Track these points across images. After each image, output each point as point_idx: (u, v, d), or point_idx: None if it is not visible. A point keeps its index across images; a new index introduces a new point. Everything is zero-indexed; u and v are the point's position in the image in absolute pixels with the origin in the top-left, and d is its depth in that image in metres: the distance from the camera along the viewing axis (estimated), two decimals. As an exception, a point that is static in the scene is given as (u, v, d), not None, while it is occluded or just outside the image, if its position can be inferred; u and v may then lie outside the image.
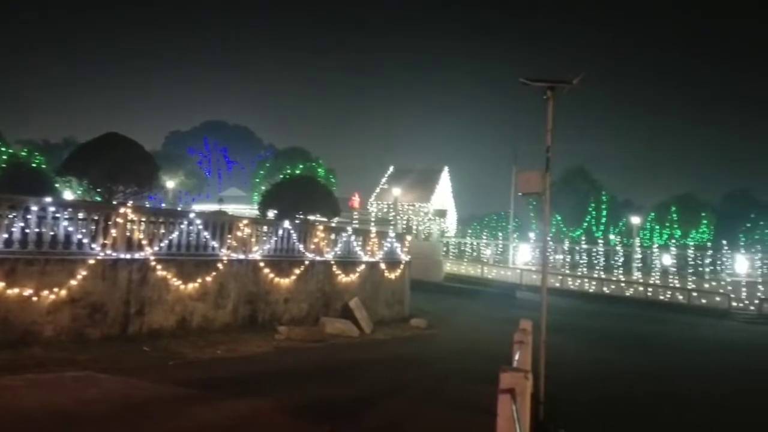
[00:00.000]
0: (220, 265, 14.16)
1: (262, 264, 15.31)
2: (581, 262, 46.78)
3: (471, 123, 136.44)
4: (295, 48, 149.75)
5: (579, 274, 44.89)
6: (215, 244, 14.14)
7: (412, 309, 21.46)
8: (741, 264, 43.77)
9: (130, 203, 14.23)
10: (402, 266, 21.17)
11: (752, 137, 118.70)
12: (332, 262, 17.68)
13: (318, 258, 17.15)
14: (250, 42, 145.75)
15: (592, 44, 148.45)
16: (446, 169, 47.47)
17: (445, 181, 47.33)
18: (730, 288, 39.72)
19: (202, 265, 13.77)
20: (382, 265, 20.05)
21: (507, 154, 65.48)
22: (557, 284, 41.07)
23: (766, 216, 55.77)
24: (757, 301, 37.26)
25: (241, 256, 14.81)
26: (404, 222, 41.81)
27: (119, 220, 12.16)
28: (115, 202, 15.25)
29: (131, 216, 12.72)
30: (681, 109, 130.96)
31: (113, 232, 12.04)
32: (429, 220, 43.10)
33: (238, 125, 73.99)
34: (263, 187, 39.37)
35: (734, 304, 37.13)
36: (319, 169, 50.23)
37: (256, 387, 9.37)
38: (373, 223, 36.60)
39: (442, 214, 44.54)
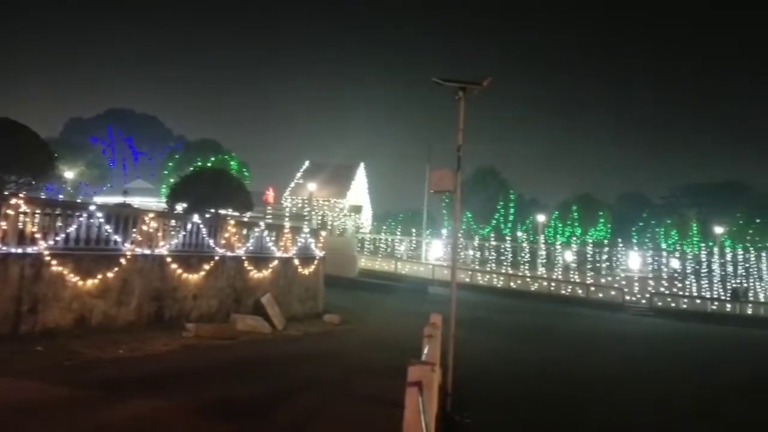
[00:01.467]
0: (123, 261, 13.50)
1: (169, 259, 14.75)
2: (490, 258, 48.54)
3: (387, 120, 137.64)
4: (209, 39, 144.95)
5: (488, 269, 46.55)
6: (118, 238, 13.46)
7: (326, 305, 21.43)
8: (634, 260, 47.06)
9: (22, 194, 13.24)
10: (316, 262, 21.07)
11: (644, 140, 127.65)
12: (244, 258, 17.31)
13: (229, 253, 16.73)
14: (161, 30, 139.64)
15: (505, 45, 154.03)
16: (362, 165, 47.72)
17: (360, 178, 47.56)
18: (624, 283, 42.63)
19: (103, 260, 13.07)
20: (296, 261, 19.87)
21: (423, 152, 66.64)
22: (467, 280, 42.35)
23: (657, 216, 60.19)
24: (647, 296, 40.21)
25: (147, 251, 14.18)
26: (319, 217, 41.62)
27: (9, 212, 11.30)
28: (6, 193, 14.15)
29: (23, 207, 11.88)
30: (584, 111, 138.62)
31: (3, 224, 11.18)
32: (344, 216, 43.16)
33: (146, 114, 70.67)
34: (172, 180, 37.87)
35: (628, 298, 39.87)
36: (232, 162, 48.90)
37: (160, 387, 9.03)
38: (287, 219, 36.16)
39: (357, 210, 44.75)
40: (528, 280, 44.09)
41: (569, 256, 47.98)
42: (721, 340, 26.27)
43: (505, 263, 47.58)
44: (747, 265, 47.26)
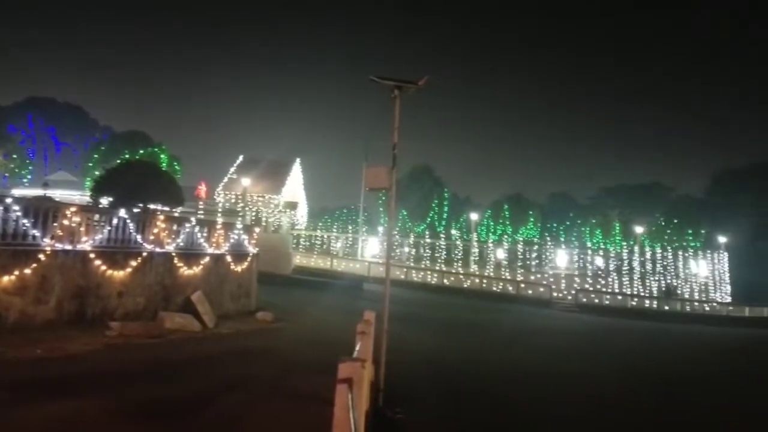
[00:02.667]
0: (42, 256, 12.80)
1: (92, 255, 14.10)
2: (425, 255, 49.23)
3: (324, 117, 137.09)
4: (139, 27, 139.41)
5: (423, 267, 47.19)
6: (36, 233, 12.76)
7: (260, 302, 21.10)
8: (561, 258, 48.92)
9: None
10: (249, 259, 20.71)
11: (572, 142, 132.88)
12: (174, 254, 16.79)
13: (158, 249, 16.18)
14: (87, 14, 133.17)
15: (440, 44, 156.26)
16: (298, 161, 47.19)
17: (296, 173, 47.04)
18: (552, 280, 44.25)
19: (19, 255, 12.35)
20: (228, 258, 19.45)
21: (360, 149, 66.67)
22: (402, 277, 42.81)
23: (583, 215, 62.79)
24: (573, 292, 41.88)
25: (69, 247, 13.51)
26: (253, 213, 40.90)
27: None
28: None
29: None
30: (516, 111, 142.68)
31: None
32: (279, 212, 42.58)
33: (70, 103, 67.27)
34: (97, 173, 36.23)
35: (555, 294, 41.39)
36: (162, 156, 47.37)
37: (81, 388, 8.63)
38: (220, 214, 35.32)
39: (292, 206, 44.24)
40: (461, 277, 45.00)
41: (501, 254, 49.33)
42: (639, 334, 27.70)
43: (439, 260, 48.38)
44: (665, 263, 50.08)
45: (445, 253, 49.13)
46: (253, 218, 39.53)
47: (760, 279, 61.46)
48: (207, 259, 18.24)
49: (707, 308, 45.23)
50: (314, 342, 14.71)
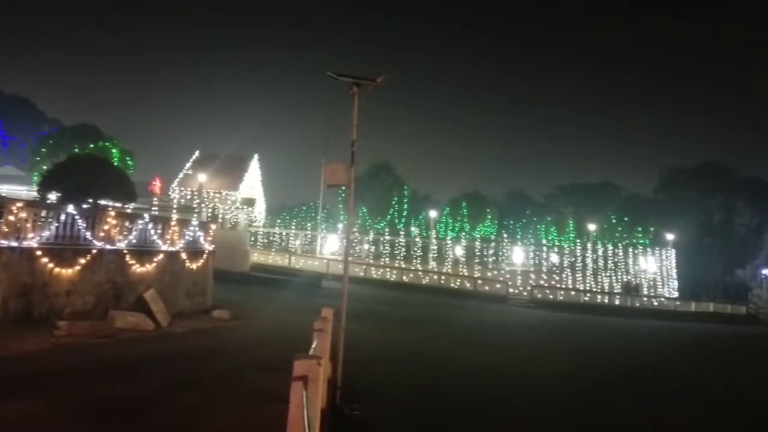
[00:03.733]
0: (-15, 254, 12.28)
1: (39, 252, 13.60)
2: (384, 252, 49.35)
3: (285, 112, 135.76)
4: (92, 17, 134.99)
5: (382, 263, 47.31)
6: (-21, 229, 12.22)
7: (216, 300, 20.78)
8: (518, 255, 49.83)
9: None
10: (205, 256, 20.34)
11: (528, 141, 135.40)
12: (126, 251, 16.34)
13: (109, 246, 15.72)
14: (35, 3, 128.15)
15: (401, 42, 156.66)
16: (256, 156, 46.55)
17: (254, 170, 46.41)
18: (508, 276, 45.05)
19: (-40, 253, 11.82)
20: (183, 255, 19.06)
21: (319, 146, 66.31)
22: (361, 273, 42.82)
23: (539, 213, 64.03)
24: (529, 288, 42.73)
25: (14, 244, 13.00)
26: (209, 210, 40.20)
27: None
28: None
29: None
30: (475, 110, 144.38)
31: None
32: (236, 209, 41.98)
33: (17, 95, 64.65)
34: (45, 167, 34.92)
35: (511, 290, 42.16)
36: (114, 150, 45.90)
37: (28, 388, 8.34)
38: (174, 211, 34.55)
39: (250, 202, 43.65)
40: (420, 273, 45.33)
41: (459, 251, 49.89)
42: (592, 329, 28.48)
43: (398, 257, 48.58)
44: (616, 260, 51.61)
45: (404, 250, 49.35)
46: (210, 215, 38.84)
47: (705, 275, 64.02)
48: (161, 256, 17.83)
49: (656, 303, 46.87)
50: (271, 340, 14.57)
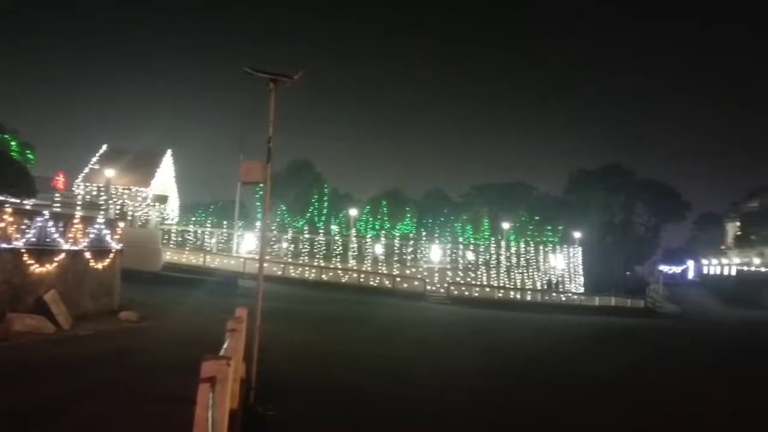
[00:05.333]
0: None
1: None
2: (303, 250, 48.91)
3: (200, 108, 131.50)
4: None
5: (300, 262, 46.88)
6: None
7: (125, 301, 19.88)
8: (435, 253, 50.86)
9: None
10: (112, 255, 19.39)
11: (444, 141, 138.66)
12: (23, 250, 15.28)
13: (4, 245, 14.64)
14: None
15: (321, 40, 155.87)
16: (169, 152, 44.83)
17: (167, 165, 44.69)
18: (426, 274, 45.91)
19: None
20: (88, 254, 18.07)
21: (237, 142, 64.74)
22: (279, 272, 42.25)
23: (456, 212, 65.63)
24: (446, 285, 43.74)
25: None
26: (118, 207, 38.31)
27: None
28: None
29: None
30: (395, 108, 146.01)
31: None
32: (147, 206, 40.25)
33: None
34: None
35: (429, 287, 42.99)
36: (12, 143, 42.80)
37: None
38: (79, 207, 32.68)
39: (162, 199, 42.02)
40: (339, 272, 45.32)
41: (379, 249, 50.27)
42: (503, 323, 29.58)
43: (318, 256, 48.29)
44: (528, 257, 53.84)
45: (324, 248, 49.13)
46: (118, 212, 37.04)
47: (608, 271, 68.12)
48: (63, 255, 16.81)
49: (564, 299, 49.34)
50: (183, 341, 14.09)
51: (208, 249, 47.34)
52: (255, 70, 9.61)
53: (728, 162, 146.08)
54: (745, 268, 76.36)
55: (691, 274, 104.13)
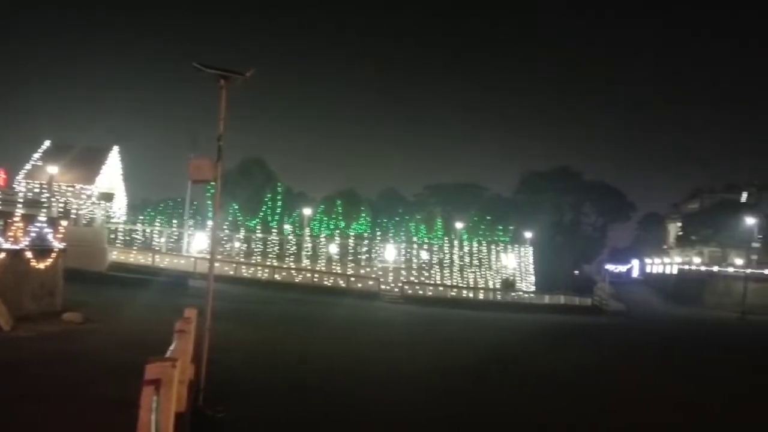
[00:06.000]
0: None
1: None
2: (256, 250, 48.26)
3: (149, 104, 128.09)
4: None
5: (253, 262, 46.26)
6: None
7: (69, 302, 19.16)
8: (390, 252, 51.07)
9: None
10: (55, 254, 18.68)
11: (399, 141, 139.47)
12: (-42, 250, 14.57)
13: (-63, 244, 13.93)
14: None
15: (276, 40, 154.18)
16: (116, 148, 43.45)
17: (114, 162, 43.33)
18: (380, 273, 46.04)
19: None
20: (29, 254, 17.35)
21: (187, 139, 63.36)
22: (231, 272, 41.61)
23: (410, 211, 66.12)
24: (400, 284, 43.97)
25: None
26: (61, 205, 36.94)
27: None
28: None
29: None
30: (350, 109, 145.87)
31: None
32: (92, 204, 38.94)
33: None
34: None
35: (383, 287, 43.13)
36: (-53, 137, 40.75)
37: None
38: (20, 205, 31.30)
39: (108, 197, 40.72)
40: (293, 272, 44.95)
41: (333, 249, 50.09)
42: (456, 321, 29.96)
43: (271, 255, 47.75)
44: (480, 256, 54.69)
45: (277, 248, 48.61)
46: (61, 210, 35.71)
47: (557, 270, 69.93)
48: (2, 255, 16.10)
49: (515, 297, 50.33)
50: (129, 343, 13.70)
51: (157, 248, 46.18)
52: (204, 66, 9.42)
53: (670, 165, 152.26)
54: (686, 266, 79.64)
55: (635, 273, 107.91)
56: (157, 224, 48.39)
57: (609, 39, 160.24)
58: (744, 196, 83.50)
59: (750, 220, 62.69)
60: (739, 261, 66.14)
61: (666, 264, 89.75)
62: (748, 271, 59.20)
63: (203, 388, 8.56)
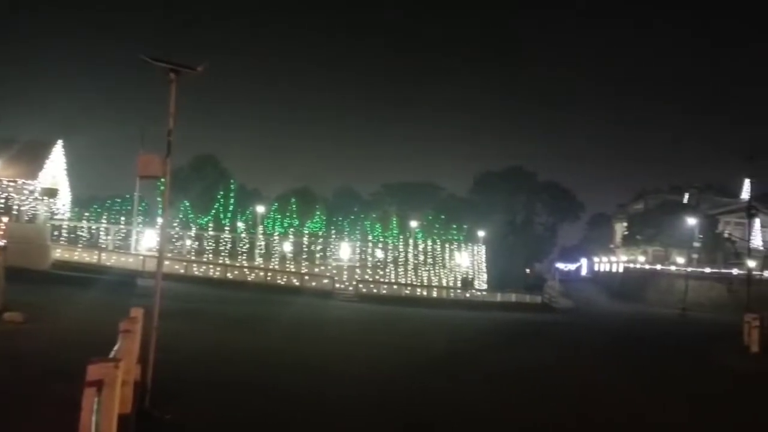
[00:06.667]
0: None
1: None
2: (208, 248, 47.42)
3: (96, 97, 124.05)
4: None
5: (205, 260, 45.43)
6: None
7: (9, 301, 18.34)
8: (345, 250, 51.02)
9: None
10: (-6, 252, 17.92)
11: (355, 139, 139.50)
12: None
13: None
14: None
15: (231, 35, 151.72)
16: (60, 143, 41.91)
17: (58, 157, 41.78)
18: (335, 271, 45.95)
19: None
20: (-35, 251, 16.60)
21: (136, 134, 61.63)
22: (182, 271, 40.80)
23: (366, 210, 66.25)
24: (354, 283, 43.98)
25: None
26: (2, 201, 35.43)
27: None
28: None
29: None
30: (305, 107, 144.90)
31: None
32: (35, 200, 37.47)
33: None
34: None
35: (337, 285, 43.07)
36: None
37: None
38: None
39: (52, 193, 39.27)
40: (246, 270, 44.37)
41: (287, 247, 49.68)
42: (410, 320, 30.19)
43: (223, 254, 46.99)
44: (434, 255, 55.23)
45: (230, 246, 47.87)
46: (2, 206, 34.27)
47: (510, 268, 71.33)
48: (-65, 253, 15.35)
49: (468, 295, 51.06)
50: (73, 344, 13.24)
51: (104, 246, 44.81)
52: (153, 60, 9.19)
53: (617, 166, 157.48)
54: (631, 265, 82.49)
55: (584, 271, 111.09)
56: (103, 221, 46.93)
57: (561, 40, 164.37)
58: (686, 198, 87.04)
59: (691, 221, 65.38)
60: (680, 260, 68.85)
61: (613, 263, 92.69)
62: (689, 269, 61.78)
63: (150, 390, 8.37)
